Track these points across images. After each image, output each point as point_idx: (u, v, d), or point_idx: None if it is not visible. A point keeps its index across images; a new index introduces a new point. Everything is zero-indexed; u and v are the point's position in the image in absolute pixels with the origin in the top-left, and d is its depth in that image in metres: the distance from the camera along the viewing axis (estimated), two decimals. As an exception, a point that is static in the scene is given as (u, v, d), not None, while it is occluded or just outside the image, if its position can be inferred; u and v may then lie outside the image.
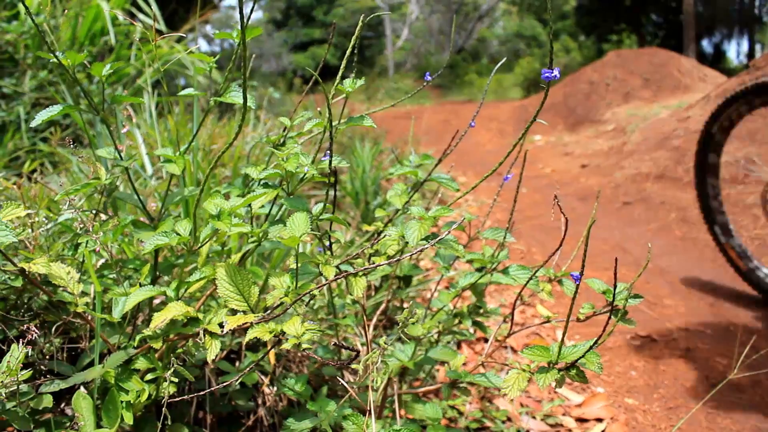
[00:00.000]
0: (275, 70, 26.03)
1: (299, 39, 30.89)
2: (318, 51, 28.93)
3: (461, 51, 27.06)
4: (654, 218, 4.21)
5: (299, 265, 0.96)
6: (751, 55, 23.39)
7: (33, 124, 1.10)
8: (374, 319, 1.69)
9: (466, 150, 8.78)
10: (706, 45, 24.77)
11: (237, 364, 1.68)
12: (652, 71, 10.64)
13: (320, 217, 0.97)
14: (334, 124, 1.02)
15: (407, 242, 0.98)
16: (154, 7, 4.83)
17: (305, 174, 0.97)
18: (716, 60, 24.08)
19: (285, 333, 0.89)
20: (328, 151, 0.99)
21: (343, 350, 1.71)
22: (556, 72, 0.79)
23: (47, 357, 1.31)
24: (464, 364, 2.29)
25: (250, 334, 0.89)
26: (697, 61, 14.03)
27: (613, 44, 24.64)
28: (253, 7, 0.97)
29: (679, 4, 21.73)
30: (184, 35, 5.41)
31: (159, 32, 5.08)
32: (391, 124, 9.18)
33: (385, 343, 1.00)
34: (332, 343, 1.67)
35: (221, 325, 0.99)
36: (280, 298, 0.93)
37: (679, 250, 3.61)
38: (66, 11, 4.39)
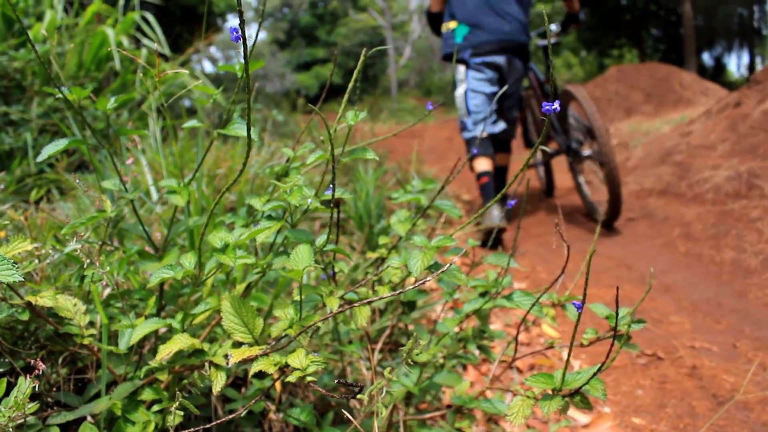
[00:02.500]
0: (279, 90, 26.12)
1: (303, 59, 31.07)
2: (322, 70, 29.07)
3: (463, 68, 27.11)
4: (658, 234, 4.20)
5: (303, 296, 0.97)
6: (751, 67, 23.44)
7: (39, 159, 1.11)
8: (380, 344, 1.69)
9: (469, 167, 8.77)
10: (707, 58, 24.84)
11: (243, 390, 1.67)
12: (654, 86, 10.66)
13: (324, 249, 0.98)
14: (336, 153, 1.03)
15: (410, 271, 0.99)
16: (159, 32, 4.88)
17: (309, 206, 0.98)
18: (717, 73, 24.13)
19: (289, 365, 0.89)
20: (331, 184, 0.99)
21: (349, 375, 1.71)
22: (556, 105, 0.80)
23: (54, 387, 1.31)
24: (471, 384, 2.29)
25: (255, 367, 0.89)
26: (698, 75, 14.07)
27: (614, 59, 24.72)
28: (257, 33, 0.98)
29: (679, 18, 21.81)
30: (189, 59, 5.45)
31: (163, 56, 5.13)
32: (394, 143, 9.21)
33: (390, 370, 1.00)
34: (337, 372, 1.66)
35: (227, 356, 0.99)
36: (285, 330, 0.93)
37: (683, 266, 3.59)
38: (72, 38, 4.44)
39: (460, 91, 4.33)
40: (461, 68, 4.32)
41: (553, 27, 4.80)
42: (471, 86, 4.26)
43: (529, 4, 4.33)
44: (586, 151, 4.44)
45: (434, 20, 4.58)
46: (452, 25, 4.30)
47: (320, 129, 5.76)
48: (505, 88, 1.33)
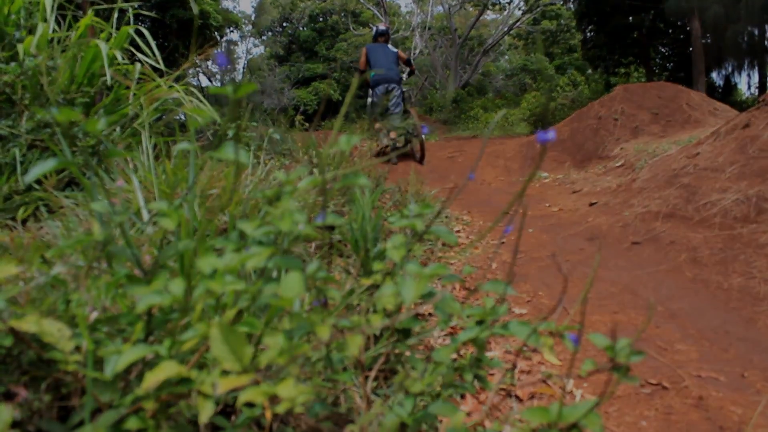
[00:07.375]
0: (277, 105, 26.21)
1: (302, 74, 31.26)
2: (321, 86, 29.24)
3: (466, 86, 27.31)
4: (664, 259, 4.20)
5: (294, 323, 0.97)
6: (762, 86, 23.55)
7: (27, 179, 1.13)
8: (374, 371, 1.69)
9: (471, 188, 8.82)
10: (716, 77, 24.99)
11: (233, 418, 1.67)
12: (661, 105, 10.72)
13: (315, 277, 0.99)
14: (329, 176, 1.04)
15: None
16: (153, 46, 4.92)
17: (300, 232, 0.99)
18: (727, 92, 24.27)
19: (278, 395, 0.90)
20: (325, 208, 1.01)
21: (342, 403, 1.71)
22: (551, 134, 0.81)
23: (36, 415, 1.31)
24: (469, 414, 2.28)
25: (243, 397, 0.90)
26: (707, 94, 14.14)
27: (621, 77, 24.88)
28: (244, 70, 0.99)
29: (687, 37, 21.99)
30: (184, 73, 5.48)
31: (157, 71, 5.17)
32: (394, 161, 9.22)
33: (381, 402, 1.00)
34: (330, 401, 1.66)
35: (214, 385, 0.99)
36: (274, 359, 0.94)
37: (690, 292, 3.60)
38: (65, 52, 4.47)
39: (369, 99, 10.41)
40: (370, 90, 10.23)
41: (404, 77, 10.48)
42: (374, 97, 10.10)
43: (398, 65, 10.21)
44: (413, 133, 10.12)
45: (362, 73, 10.01)
46: (372, 72, 9.91)
47: (319, 146, 5.79)
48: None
